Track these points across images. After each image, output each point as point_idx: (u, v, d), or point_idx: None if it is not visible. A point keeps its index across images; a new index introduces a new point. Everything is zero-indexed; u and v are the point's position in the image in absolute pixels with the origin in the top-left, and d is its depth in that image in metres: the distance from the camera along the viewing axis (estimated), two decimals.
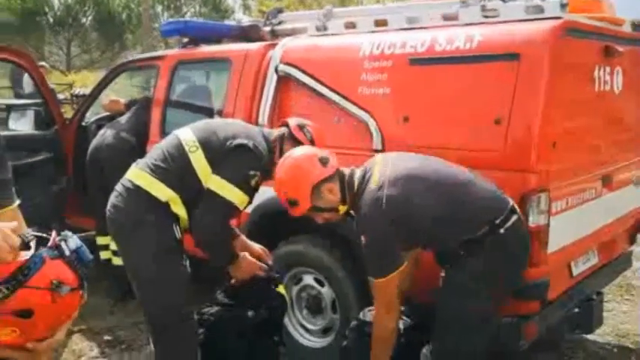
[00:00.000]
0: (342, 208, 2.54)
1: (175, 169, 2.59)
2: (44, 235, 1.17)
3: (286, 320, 3.43)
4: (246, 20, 4.68)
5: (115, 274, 4.50)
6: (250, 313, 2.79)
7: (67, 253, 1.13)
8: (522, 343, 2.67)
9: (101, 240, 4.64)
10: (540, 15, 2.71)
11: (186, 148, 2.61)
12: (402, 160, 2.51)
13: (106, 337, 3.86)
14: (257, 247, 2.98)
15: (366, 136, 3.05)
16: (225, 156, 2.59)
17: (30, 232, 1.17)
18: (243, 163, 2.58)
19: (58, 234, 1.17)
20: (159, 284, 2.55)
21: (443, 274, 2.48)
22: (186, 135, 2.68)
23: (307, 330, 3.45)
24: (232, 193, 2.55)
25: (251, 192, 2.66)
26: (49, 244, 1.13)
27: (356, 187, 2.48)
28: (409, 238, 2.44)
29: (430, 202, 2.35)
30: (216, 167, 2.59)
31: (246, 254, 2.82)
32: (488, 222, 2.33)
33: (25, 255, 1.09)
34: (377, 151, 2.99)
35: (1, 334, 1.05)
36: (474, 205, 2.38)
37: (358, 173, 2.52)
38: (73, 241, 1.17)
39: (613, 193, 3.20)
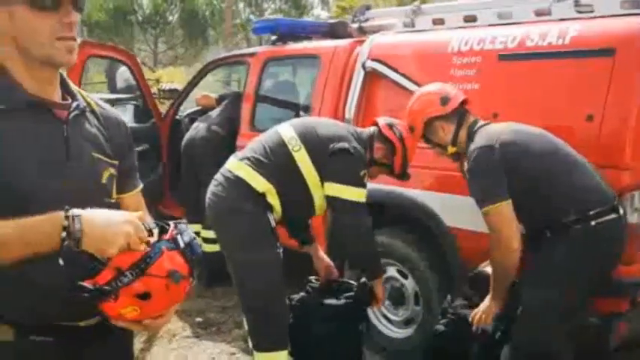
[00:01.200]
0: (451, 149, 2.69)
1: (275, 164, 2.74)
2: (164, 224, 1.31)
3: (369, 311, 3.54)
4: (325, 16, 4.80)
5: (205, 260, 4.77)
6: (336, 301, 2.90)
7: (182, 245, 1.26)
8: (612, 344, 2.64)
9: (192, 228, 4.91)
10: (636, 10, 2.65)
11: (289, 147, 2.75)
12: (523, 125, 2.57)
13: (197, 319, 4.10)
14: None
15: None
16: (330, 159, 2.72)
17: (152, 222, 1.31)
18: (353, 166, 2.73)
19: (175, 227, 1.30)
20: (254, 267, 2.71)
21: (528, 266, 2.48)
22: (287, 132, 2.81)
23: (390, 321, 3.53)
24: (355, 193, 2.69)
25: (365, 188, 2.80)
26: (167, 236, 1.26)
27: (473, 129, 2.60)
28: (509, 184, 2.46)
29: (536, 164, 2.41)
30: (325, 172, 2.73)
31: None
32: (581, 210, 2.34)
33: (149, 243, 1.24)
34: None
35: (126, 312, 1.20)
36: (572, 188, 2.39)
37: (481, 122, 2.62)
38: (188, 234, 1.29)
39: None
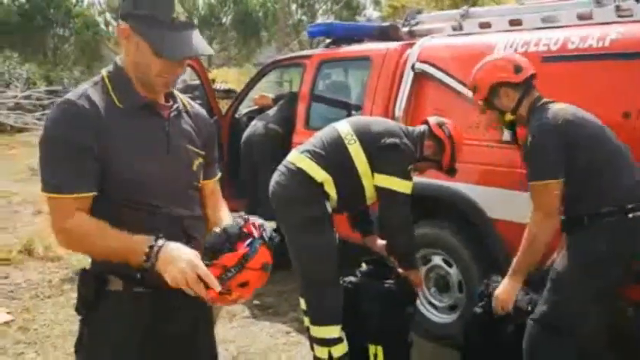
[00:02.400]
0: (509, 117, 2.72)
1: (332, 156, 3.01)
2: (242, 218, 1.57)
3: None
4: (375, 16, 5.00)
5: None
6: (386, 284, 3.14)
7: (267, 239, 1.54)
8: None
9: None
10: None
11: (345, 140, 3.03)
12: (584, 111, 2.62)
13: (255, 302, 4.41)
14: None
15: (498, 130, 3.28)
16: (382, 153, 2.97)
17: (237, 221, 1.56)
18: (402, 159, 2.98)
19: (257, 224, 1.55)
20: (313, 249, 2.99)
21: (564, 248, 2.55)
22: (344, 128, 3.09)
23: (434, 307, 3.76)
24: (402, 185, 2.95)
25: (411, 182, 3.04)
26: (256, 234, 1.52)
27: (537, 104, 2.63)
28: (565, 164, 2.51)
29: (594, 151, 2.47)
30: (377, 163, 2.99)
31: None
32: (620, 201, 2.41)
33: (246, 243, 1.49)
34: (507, 142, 3.22)
35: (227, 296, 1.49)
36: (619, 179, 2.46)
37: (545, 99, 2.65)
38: (269, 229, 1.57)
39: None
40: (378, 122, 3.20)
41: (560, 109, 2.56)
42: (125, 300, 1.62)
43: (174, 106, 1.70)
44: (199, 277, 1.43)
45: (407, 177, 2.99)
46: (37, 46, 27.28)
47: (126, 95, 1.59)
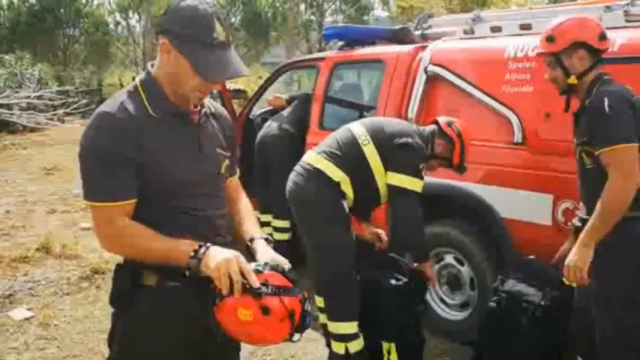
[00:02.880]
0: (573, 80, 2.56)
1: (348, 156, 3.11)
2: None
3: (427, 295, 3.86)
4: (384, 16, 5.06)
5: (276, 247, 5.17)
6: (394, 282, 3.21)
7: (306, 308, 1.58)
8: None
9: (264, 218, 5.34)
10: None
11: (359, 141, 3.13)
12: None
13: None
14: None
15: (509, 131, 3.37)
16: (395, 152, 3.08)
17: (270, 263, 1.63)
18: (414, 159, 3.08)
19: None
20: (332, 248, 3.09)
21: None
22: (358, 129, 3.19)
23: (447, 304, 3.84)
24: (414, 183, 3.05)
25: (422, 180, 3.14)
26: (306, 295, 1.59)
27: (603, 77, 2.53)
28: None
29: None
30: (390, 163, 3.08)
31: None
32: None
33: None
34: (517, 144, 3.30)
35: (242, 313, 1.48)
36: None
37: (608, 76, 2.54)
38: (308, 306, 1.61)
39: None
40: (391, 123, 3.30)
41: (630, 90, 2.47)
42: (159, 294, 1.70)
43: (202, 111, 1.77)
44: (240, 272, 1.52)
45: (418, 175, 3.09)
46: (48, 47, 27.54)
47: (159, 104, 1.67)
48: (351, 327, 3.12)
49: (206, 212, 1.74)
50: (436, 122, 3.29)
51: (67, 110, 16.57)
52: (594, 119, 2.42)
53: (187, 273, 1.59)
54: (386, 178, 3.10)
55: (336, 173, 3.09)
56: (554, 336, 2.81)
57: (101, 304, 4.42)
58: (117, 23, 33.32)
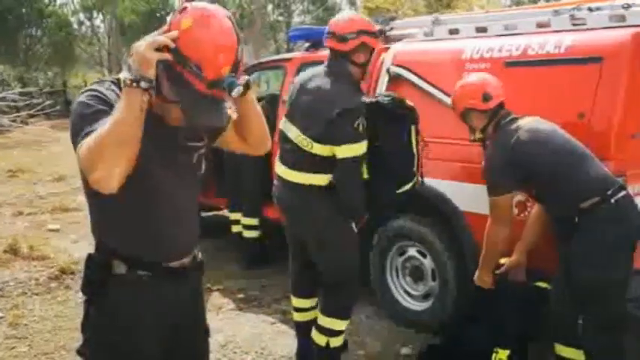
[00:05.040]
0: (478, 135, 3.12)
1: (309, 161, 3.02)
2: None
3: (392, 286, 4.03)
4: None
5: (245, 244, 5.30)
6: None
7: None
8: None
9: (233, 216, 5.45)
10: (622, 23, 3.07)
11: (305, 148, 3.00)
12: (539, 121, 2.94)
13: (240, 296, 4.61)
14: None
15: (467, 128, 3.53)
16: (331, 129, 2.92)
17: None
18: (350, 123, 2.90)
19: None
20: (338, 248, 3.10)
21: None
22: (294, 134, 3.05)
23: (410, 295, 4.00)
24: (354, 149, 2.92)
25: (363, 135, 2.95)
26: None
27: (501, 123, 3.00)
28: (526, 178, 2.86)
29: (553, 159, 2.79)
30: (332, 141, 2.94)
31: None
32: (600, 192, 2.66)
33: None
34: (474, 141, 3.47)
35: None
36: (588, 175, 2.71)
37: (510, 117, 3.01)
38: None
39: None
40: (313, 100, 3.04)
41: (515, 128, 2.90)
42: (129, 284, 1.78)
43: None
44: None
45: (357, 138, 2.93)
46: (9, 47, 26.94)
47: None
48: (343, 324, 3.20)
49: (177, 200, 1.81)
50: (334, 49, 3.09)
51: (32, 112, 16.32)
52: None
53: (142, 84, 1.51)
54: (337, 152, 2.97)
55: (314, 178, 3.03)
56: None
57: (71, 303, 4.46)
58: (80, 23, 32.78)
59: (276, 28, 30.56)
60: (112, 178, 1.53)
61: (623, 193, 2.69)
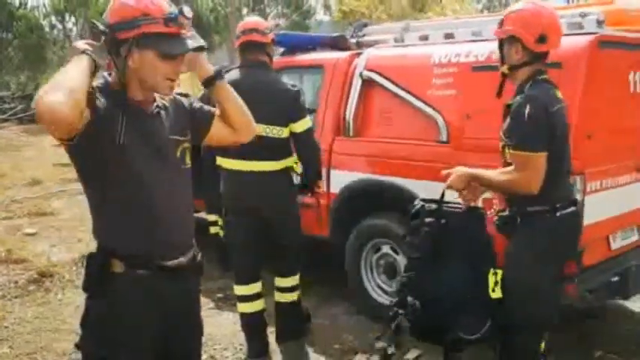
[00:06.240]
0: (504, 69, 2.71)
1: (276, 149, 3.47)
2: None
3: (366, 282, 4.18)
4: (326, 21, 5.30)
5: (223, 246, 5.38)
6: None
7: None
8: (564, 301, 3.20)
9: (211, 218, 5.54)
10: (580, 30, 3.27)
11: (277, 136, 3.43)
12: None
13: (219, 295, 4.72)
14: None
15: (435, 130, 3.71)
16: (286, 110, 3.44)
17: None
18: (299, 101, 3.49)
19: None
20: (297, 215, 3.67)
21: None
22: (262, 129, 3.26)
23: (384, 291, 4.15)
24: (308, 121, 3.52)
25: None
26: None
27: (538, 77, 2.61)
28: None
29: (564, 145, 2.61)
30: (292, 119, 3.44)
31: None
32: (551, 201, 2.55)
33: None
34: (443, 142, 3.64)
35: None
36: (560, 180, 2.60)
37: (544, 75, 2.63)
38: None
39: None
40: (263, 96, 3.26)
41: (553, 94, 2.57)
42: (127, 282, 1.87)
43: (155, 105, 1.95)
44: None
45: (306, 113, 3.53)
46: None
47: (120, 100, 1.86)
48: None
49: (169, 198, 1.92)
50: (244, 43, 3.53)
51: (3, 117, 16.13)
52: (513, 121, 2.56)
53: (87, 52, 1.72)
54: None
55: (280, 164, 3.50)
56: None
57: (50, 305, 4.51)
58: (52, 26, 32.38)
59: None
60: (63, 104, 1.56)
61: (571, 209, 2.65)
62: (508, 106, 2.66)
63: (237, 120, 2.11)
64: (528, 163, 2.49)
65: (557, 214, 2.56)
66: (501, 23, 2.68)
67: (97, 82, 1.86)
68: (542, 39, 2.55)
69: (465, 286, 2.71)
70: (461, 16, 4.01)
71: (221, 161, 3.59)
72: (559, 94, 2.60)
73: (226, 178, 3.60)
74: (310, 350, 3.75)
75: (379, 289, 4.16)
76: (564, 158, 2.64)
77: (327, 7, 29.90)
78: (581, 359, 3.63)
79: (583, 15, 3.29)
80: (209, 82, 2.05)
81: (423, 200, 2.96)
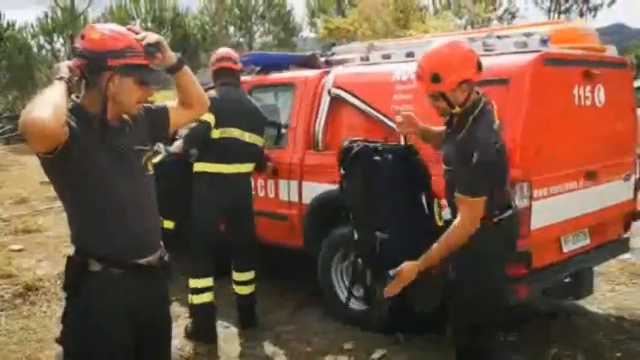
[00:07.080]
0: (457, 110, 2.67)
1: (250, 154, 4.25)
2: None
3: (337, 289, 4.38)
4: (311, 37, 5.55)
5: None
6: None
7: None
8: (513, 300, 3.44)
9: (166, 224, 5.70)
10: (525, 49, 3.53)
11: (256, 143, 4.25)
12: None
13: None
14: None
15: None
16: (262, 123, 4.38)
17: None
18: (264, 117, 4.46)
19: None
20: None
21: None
22: (247, 136, 4.20)
23: (355, 297, 4.34)
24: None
25: None
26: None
27: (478, 105, 2.66)
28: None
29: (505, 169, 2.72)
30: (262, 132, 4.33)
31: None
32: (490, 210, 2.64)
33: None
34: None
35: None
36: (492, 196, 2.65)
37: (485, 99, 2.69)
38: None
39: (599, 186, 3.91)
40: (243, 104, 4.27)
41: (497, 130, 2.65)
42: (103, 279, 2.07)
43: (120, 121, 2.17)
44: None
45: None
46: None
47: (84, 118, 2.07)
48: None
49: (137, 202, 2.14)
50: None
51: None
52: (461, 163, 2.59)
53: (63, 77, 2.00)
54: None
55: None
56: None
57: (36, 317, 4.66)
58: (40, 47, 32.62)
59: (238, 49, 30.94)
60: (52, 119, 1.81)
61: (508, 213, 2.75)
62: (450, 132, 2.77)
63: (196, 97, 2.38)
64: (474, 207, 2.57)
65: (495, 219, 2.69)
66: (437, 79, 2.67)
67: (69, 104, 2.06)
68: (480, 67, 2.65)
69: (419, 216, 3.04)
70: (424, 35, 4.24)
71: (205, 166, 4.13)
72: (497, 119, 2.69)
73: (208, 181, 4.10)
74: (281, 352, 3.95)
75: (351, 295, 4.34)
76: (504, 180, 2.73)
77: (312, 25, 30.32)
78: (538, 357, 3.84)
79: (527, 34, 3.54)
80: (175, 69, 2.26)
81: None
